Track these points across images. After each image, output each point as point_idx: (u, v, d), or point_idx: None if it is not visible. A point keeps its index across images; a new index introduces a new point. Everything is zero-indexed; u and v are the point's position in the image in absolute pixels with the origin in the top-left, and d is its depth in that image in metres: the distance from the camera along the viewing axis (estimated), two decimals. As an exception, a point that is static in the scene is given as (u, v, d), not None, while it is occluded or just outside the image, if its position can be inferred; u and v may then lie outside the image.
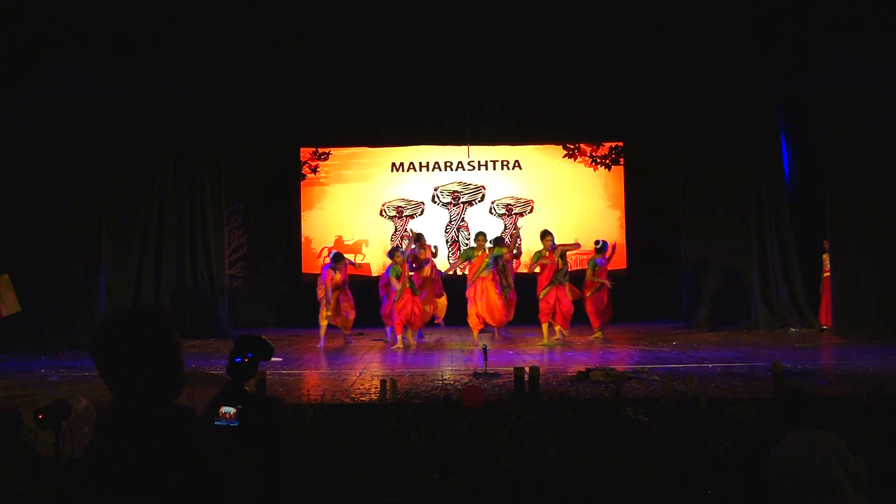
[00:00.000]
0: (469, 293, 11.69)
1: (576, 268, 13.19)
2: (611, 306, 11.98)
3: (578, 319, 12.08)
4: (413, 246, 12.25)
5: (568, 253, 11.77)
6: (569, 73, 14.60)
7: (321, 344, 11.51)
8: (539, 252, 11.66)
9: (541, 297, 11.49)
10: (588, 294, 11.86)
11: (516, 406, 6.22)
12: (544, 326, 11.55)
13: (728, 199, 13.54)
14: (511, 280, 11.94)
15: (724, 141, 13.47)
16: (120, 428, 1.90)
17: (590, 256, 12.18)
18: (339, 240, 15.04)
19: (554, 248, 11.53)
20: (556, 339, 11.56)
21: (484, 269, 11.56)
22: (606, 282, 11.77)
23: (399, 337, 11.39)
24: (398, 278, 11.36)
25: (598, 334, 11.87)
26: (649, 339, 11.69)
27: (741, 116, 13.29)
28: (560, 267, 11.47)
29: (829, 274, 12.03)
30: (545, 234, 11.69)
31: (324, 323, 11.57)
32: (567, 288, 11.64)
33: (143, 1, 12.63)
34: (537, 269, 11.67)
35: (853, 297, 11.27)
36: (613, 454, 5.29)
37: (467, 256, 12.02)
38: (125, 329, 1.98)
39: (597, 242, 12.14)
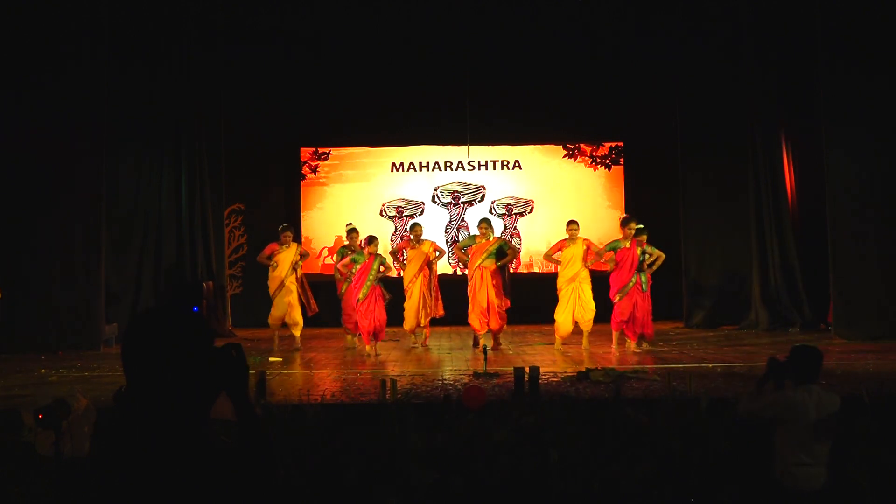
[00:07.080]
0: (469, 288, 10.56)
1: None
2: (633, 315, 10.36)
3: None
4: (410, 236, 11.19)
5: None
6: (569, 73, 14.60)
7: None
8: (616, 241, 10.35)
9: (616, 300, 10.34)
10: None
11: (516, 406, 6.22)
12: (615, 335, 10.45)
13: (728, 198, 13.58)
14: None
15: (724, 141, 13.49)
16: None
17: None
18: (338, 240, 15.01)
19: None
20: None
21: (487, 258, 10.42)
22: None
23: (367, 347, 10.38)
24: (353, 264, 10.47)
25: (633, 346, 10.43)
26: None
27: (741, 116, 13.29)
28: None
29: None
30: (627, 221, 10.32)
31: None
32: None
33: (143, 1, 12.63)
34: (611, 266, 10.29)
35: (853, 297, 11.26)
36: (613, 454, 5.29)
37: (466, 245, 10.80)
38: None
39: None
